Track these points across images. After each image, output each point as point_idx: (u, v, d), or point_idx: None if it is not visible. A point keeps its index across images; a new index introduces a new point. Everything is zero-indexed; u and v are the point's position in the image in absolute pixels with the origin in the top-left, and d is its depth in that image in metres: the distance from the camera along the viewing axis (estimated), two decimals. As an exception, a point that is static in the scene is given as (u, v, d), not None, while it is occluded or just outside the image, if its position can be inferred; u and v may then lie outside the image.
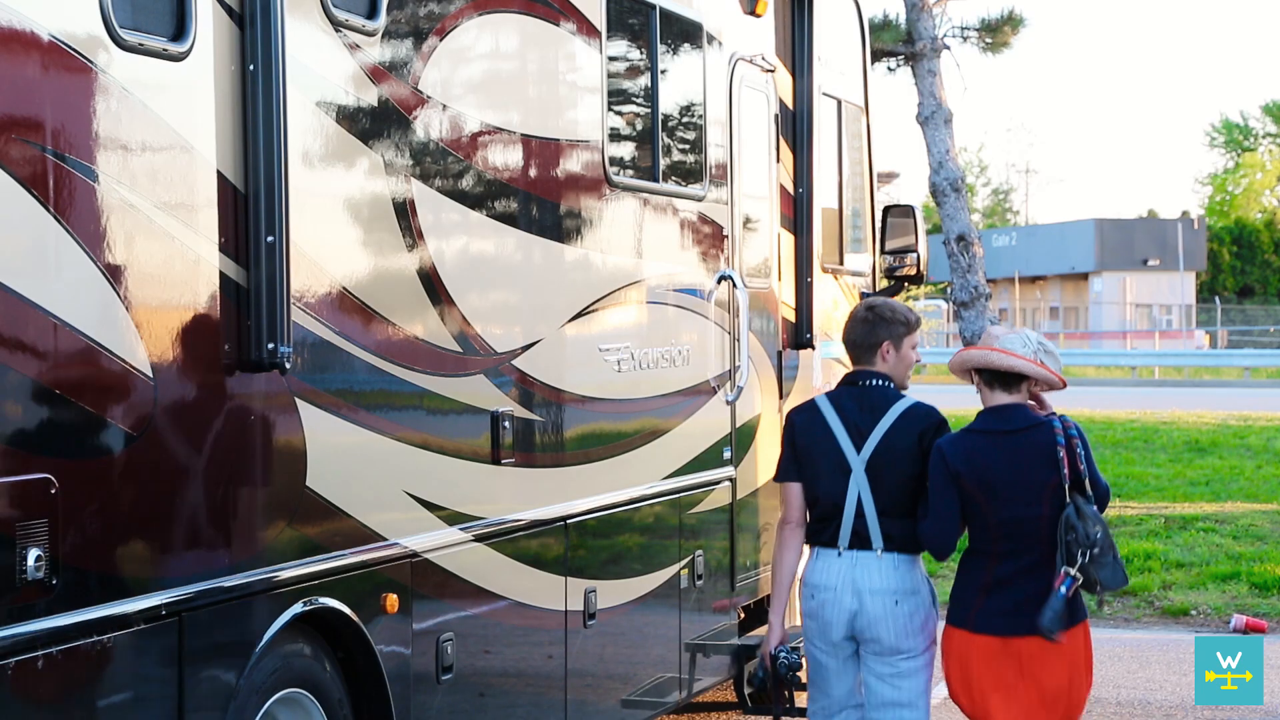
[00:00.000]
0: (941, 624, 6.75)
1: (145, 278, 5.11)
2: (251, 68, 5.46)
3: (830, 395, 6.85)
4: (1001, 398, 6.55)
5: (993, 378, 6.55)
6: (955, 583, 6.61)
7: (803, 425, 6.81)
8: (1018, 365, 6.49)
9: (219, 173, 5.40)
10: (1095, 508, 6.43)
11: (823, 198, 10.02)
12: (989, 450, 6.47)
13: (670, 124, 8.58)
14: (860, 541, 6.64)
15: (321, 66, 5.86)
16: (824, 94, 10.11)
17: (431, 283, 6.48)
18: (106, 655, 4.91)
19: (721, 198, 8.94)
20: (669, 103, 8.54)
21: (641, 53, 8.30)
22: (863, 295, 9.99)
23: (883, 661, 6.68)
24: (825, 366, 10.17)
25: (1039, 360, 6.51)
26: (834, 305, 10.34)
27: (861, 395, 6.75)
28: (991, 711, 6.50)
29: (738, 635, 9.19)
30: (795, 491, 6.83)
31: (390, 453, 6.25)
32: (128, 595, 5.00)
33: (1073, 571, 6.36)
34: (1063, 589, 6.35)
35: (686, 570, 8.61)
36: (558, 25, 7.43)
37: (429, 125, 6.47)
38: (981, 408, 6.64)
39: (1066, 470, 6.40)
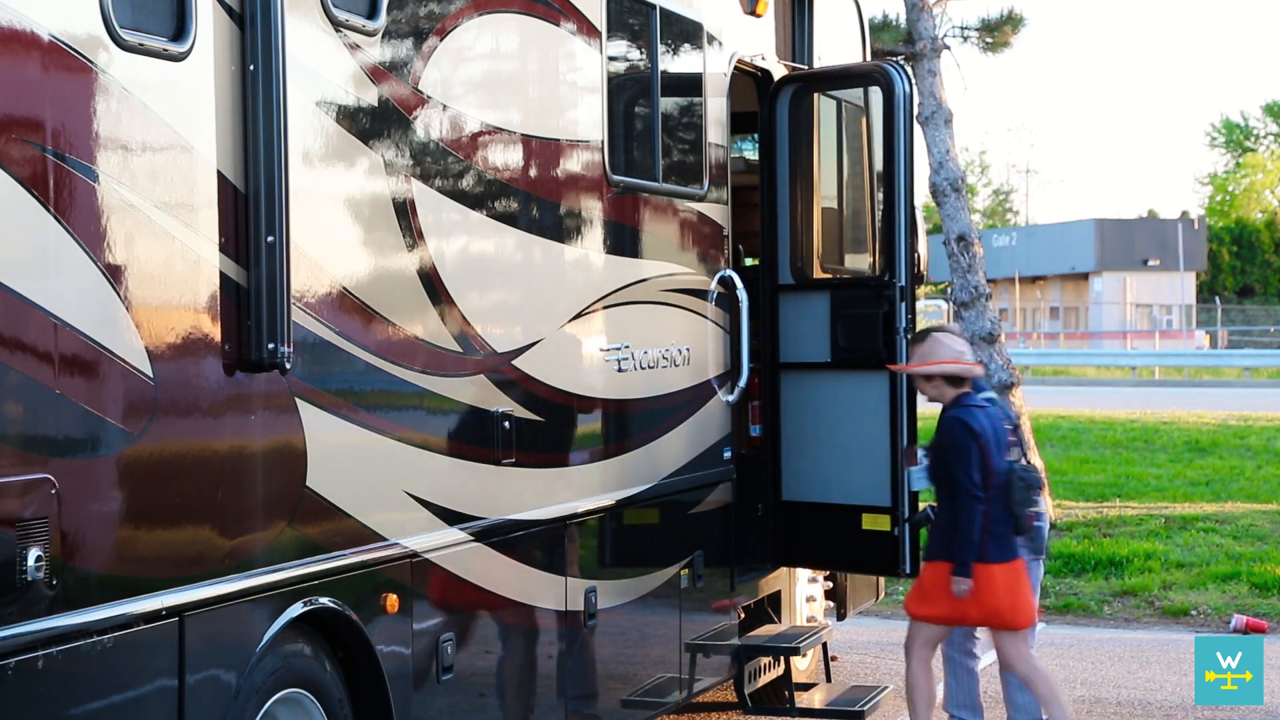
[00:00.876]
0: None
1: (145, 278, 5.11)
2: (252, 68, 5.46)
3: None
4: (961, 388, 8.48)
5: (956, 378, 8.49)
6: (958, 532, 8.20)
7: None
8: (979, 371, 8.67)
9: (219, 173, 5.40)
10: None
11: (822, 198, 10.01)
12: (986, 419, 8.37)
13: (670, 124, 8.58)
14: None
15: (321, 66, 5.87)
16: (824, 94, 10.10)
17: (431, 283, 6.48)
18: (106, 655, 4.91)
19: (721, 197, 8.94)
20: (669, 103, 8.54)
21: (642, 53, 8.30)
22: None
23: None
24: None
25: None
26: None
27: None
28: (963, 622, 8.50)
29: (738, 635, 9.19)
30: None
31: (390, 453, 6.25)
32: (128, 595, 5.00)
33: (1039, 508, 8.34)
34: (1037, 522, 8.39)
35: (686, 570, 8.61)
36: (558, 25, 7.43)
37: (429, 125, 6.47)
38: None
39: (1012, 438, 8.50)
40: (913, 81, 9.37)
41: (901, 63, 9.53)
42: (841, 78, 10.02)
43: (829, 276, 9.93)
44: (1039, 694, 8.44)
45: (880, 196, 10.27)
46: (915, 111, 9.26)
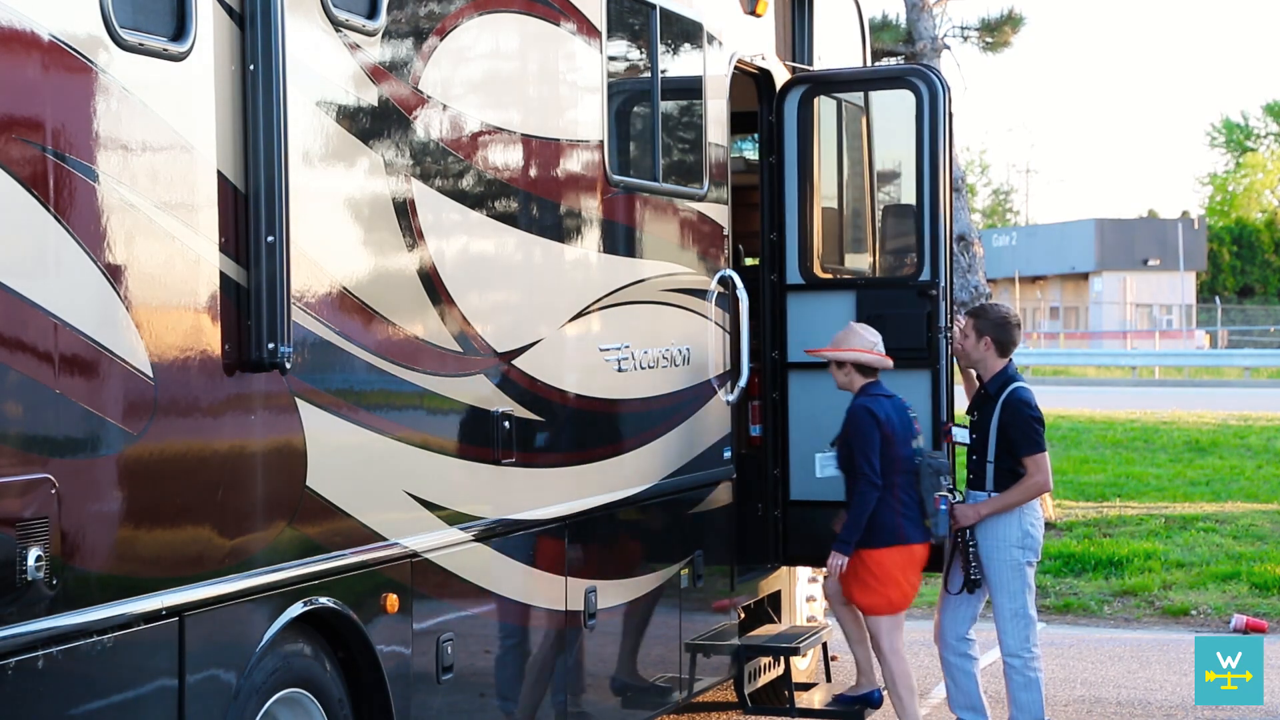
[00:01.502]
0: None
1: (145, 278, 5.11)
2: (252, 68, 5.46)
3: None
4: (870, 378, 8.76)
5: (866, 368, 8.77)
6: (870, 514, 8.55)
7: None
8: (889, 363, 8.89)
9: (219, 173, 5.40)
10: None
11: (822, 198, 10.02)
12: (891, 407, 8.70)
13: (670, 124, 8.58)
14: None
15: (321, 66, 5.86)
16: (830, 95, 10.11)
17: (431, 283, 6.48)
18: (106, 655, 4.91)
19: (721, 197, 8.94)
20: (669, 103, 8.55)
21: (642, 53, 8.30)
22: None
23: None
24: None
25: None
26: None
27: None
28: (908, 600, 8.87)
29: (738, 635, 9.19)
30: None
31: (390, 453, 6.25)
32: (128, 595, 5.00)
33: (944, 492, 8.63)
34: (943, 505, 8.61)
35: (687, 570, 8.61)
36: (558, 25, 7.43)
37: (429, 125, 6.47)
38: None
39: (917, 426, 8.83)
40: (949, 86, 9.41)
41: (935, 66, 9.60)
42: (873, 80, 10.04)
43: (853, 276, 9.93)
44: (889, 685, 8.88)
45: (879, 197, 10.29)
46: (952, 115, 9.33)
